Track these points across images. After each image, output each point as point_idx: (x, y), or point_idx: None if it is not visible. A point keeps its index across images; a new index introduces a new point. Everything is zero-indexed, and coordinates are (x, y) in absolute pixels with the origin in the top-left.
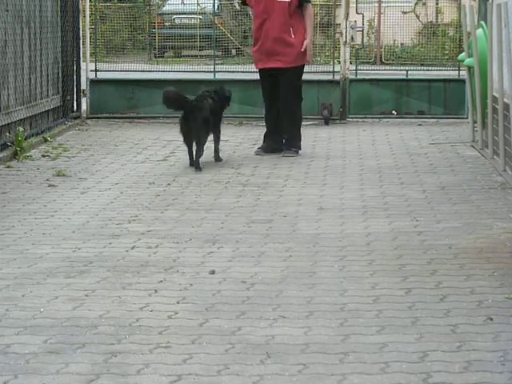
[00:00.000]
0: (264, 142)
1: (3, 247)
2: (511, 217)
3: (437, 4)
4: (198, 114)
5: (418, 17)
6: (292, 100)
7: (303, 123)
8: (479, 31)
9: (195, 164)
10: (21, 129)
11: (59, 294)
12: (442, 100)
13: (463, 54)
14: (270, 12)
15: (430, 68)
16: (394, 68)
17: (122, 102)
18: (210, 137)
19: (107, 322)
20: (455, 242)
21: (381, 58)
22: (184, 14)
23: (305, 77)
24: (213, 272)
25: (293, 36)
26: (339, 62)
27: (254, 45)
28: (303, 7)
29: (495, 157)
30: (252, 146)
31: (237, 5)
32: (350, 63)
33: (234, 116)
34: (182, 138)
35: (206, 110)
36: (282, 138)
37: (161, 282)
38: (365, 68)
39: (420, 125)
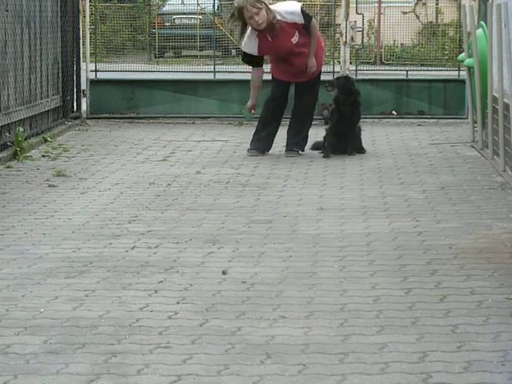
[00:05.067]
0: (264, 141)
1: (3, 247)
2: (511, 217)
3: (437, 4)
4: None
5: (417, 17)
6: (313, 106)
7: None
8: (479, 31)
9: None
10: (21, 129)
11: (59, 294)
12: (441, 100)
13: (463, 54)
14: (291, 52)
15: (430, 68)
16: (394, 68)
17: (122, 102)
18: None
19: (107, 322)
20: (455, 242)
21: (381, 58)
22: (184, 14)
23: None
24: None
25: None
26: (339, 62)
27: (275, 66)
28: (308, 29)
29: (495, 157)
30: None
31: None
32: (350, 63)
33: (234, 116)
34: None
35: None
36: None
37: (161, 282)
38: (365, 68)
39: (420, 125)
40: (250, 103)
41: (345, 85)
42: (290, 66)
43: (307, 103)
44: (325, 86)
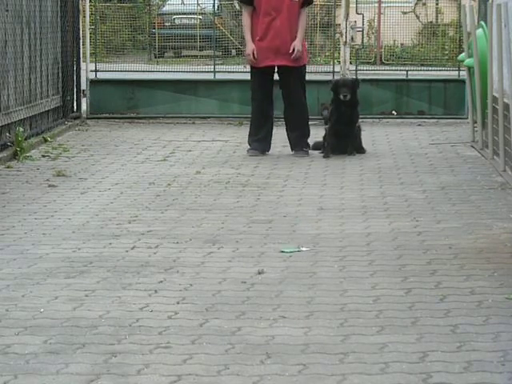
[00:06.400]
0: (263, 141)
1: (3, 247)
2: (511, 217)
3: (437, 4)
4: None
5: (417, 17)
6: (304, 99)
7: None
8: (479, 31)
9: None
10: (21, 129)
11: (59, 294)
12: (441, 100)
13: (463, 54)
14: (280, 10)
15: (430, 68)
16: (394, 68)
17: (122, 102)
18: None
19: (107, 322)
20: (455, 242)
21: (381, 58)
22: (184, 14)
23: None
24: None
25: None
26: (339, 62)
27: (258, 41)
28: (303, 8)
29: (495, 157)
30: None
31: (237, 5)
32: (350, 63)
33: (234, 116)
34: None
35: None
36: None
37: (161, 282)
38: (365, 68)
39: (420, 125)
40: (248, 48)
41: (347, 84)
42: (271, 34)
43: (297, 101)
44: (341, 96)
